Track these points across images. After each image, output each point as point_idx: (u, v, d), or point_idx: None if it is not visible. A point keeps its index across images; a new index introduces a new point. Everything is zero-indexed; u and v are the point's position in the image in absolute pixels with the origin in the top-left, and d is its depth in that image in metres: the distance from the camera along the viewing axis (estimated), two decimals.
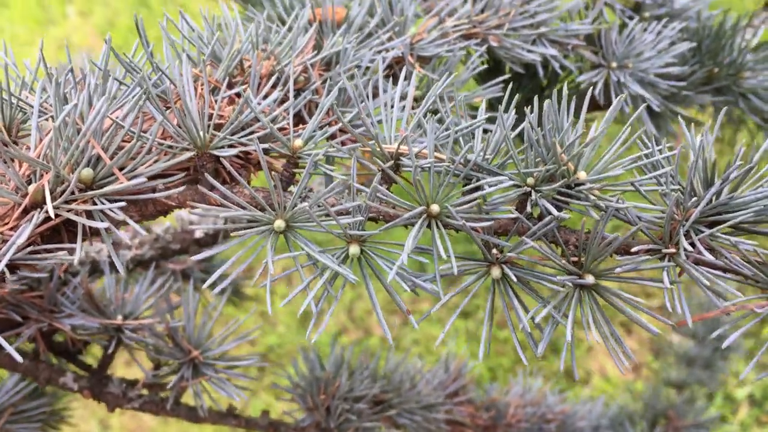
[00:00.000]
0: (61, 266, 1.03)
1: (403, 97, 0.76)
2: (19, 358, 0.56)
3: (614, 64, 1.07)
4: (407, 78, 0.92)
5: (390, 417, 1.28)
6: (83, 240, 0.64)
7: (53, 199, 0.61)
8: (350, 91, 0.70)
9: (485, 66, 1.12)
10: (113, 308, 1.03)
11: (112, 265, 1.10)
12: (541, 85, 1.14)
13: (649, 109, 1.16)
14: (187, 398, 1.12)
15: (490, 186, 0.65)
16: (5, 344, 0.58)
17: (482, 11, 1.00)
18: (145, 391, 1.07)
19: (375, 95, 0.86)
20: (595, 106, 1.17)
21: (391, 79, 0.93)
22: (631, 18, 1.15)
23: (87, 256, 1.10)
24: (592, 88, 1.04)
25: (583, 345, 2.84)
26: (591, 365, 2.81)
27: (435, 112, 0.79)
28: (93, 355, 1.14)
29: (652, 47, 1.09)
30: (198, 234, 1.21)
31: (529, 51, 1.02)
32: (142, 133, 0.67)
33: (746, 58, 1.21)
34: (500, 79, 0.95)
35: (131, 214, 0.73)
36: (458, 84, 0.97)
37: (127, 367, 2.55)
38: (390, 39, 0.93)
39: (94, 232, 0.67)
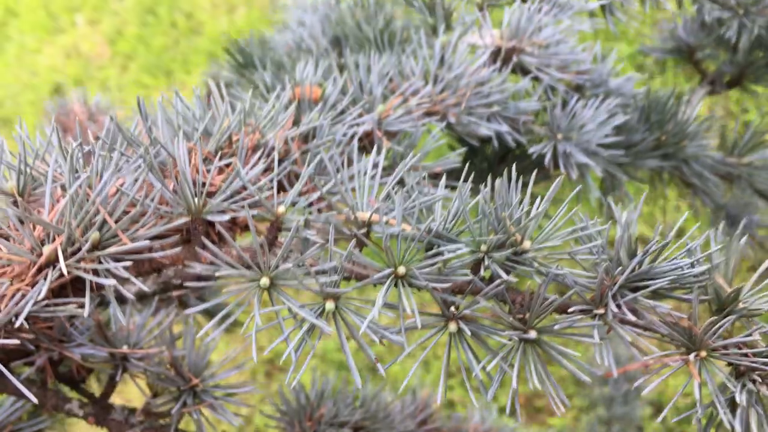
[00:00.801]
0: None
1: (374, 166, 0.87)
2: (33, 399, 0.63)
3: (560, 136, 1.21)
4: (377, 151, 1.03)
5: None
6: (91, 294, 0.72)
7: (65, 258, 0.69)
8: (327, 163, 0.80)
9: (444, 141, 1.24)
10: (119, 338, 1.10)
11: (118, 298, 1.17)
12: (495, 155, 1.27)
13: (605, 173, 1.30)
14: (185, 425, 1.19)
15: (449, 252, 0.76)
16: (20, 386, 0.65)
17: (442, 91, 1.13)
18: (143, 418, 1.14)
19: (349, 164, 0.96)
20: (545, 174, 1.30)
21: (362, 151, 1.04)
22: (578, 99, 1.29)
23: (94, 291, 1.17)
24: (543, 157, 1.17)
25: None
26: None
27: (402, 182, 0.90)
28: (94, 384, 1.20)
29: (592, 120, 1.23)
30: (198, 270, 1.29)
31: (485, 127, 1.15)
32: (143, 200, 0.76)
33: (688, 128, 1.36)
34: (457, 152, 1.07)
35: (130, 272, 0.82)
36: (422, 155, 1.09)
37: (118, 395, 2.55)
38: (360, 115, 1.05)
39: (99, 287, 0.75)
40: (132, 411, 1.11)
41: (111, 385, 1.06)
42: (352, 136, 0.98)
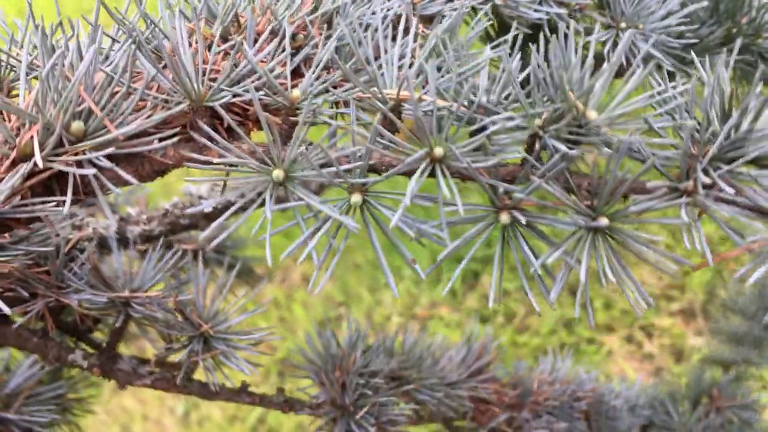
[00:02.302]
0: (67, 242, 1.01)
1: (404, 54, 0.73)
2: (6, 310, 0.54)
3: (623, 25, 1.04)
4: (412, 37, 0.89)
5: (408, 393, 1.25)
6: (76, 193, 0.62)
7: (42, 150, 0.59)
8: (348, 37, 0.67)
9: (492, 26, 1.09)
10: (121, 283, 1.01)
11: (120, 240, 1.08)
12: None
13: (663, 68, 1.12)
14: (201, 375, 1.10)
15: (494, 125, 0.62)
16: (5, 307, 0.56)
17: None
18: (156, 369, 1.05)
19: (377, 56, 0.83)
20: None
21: (395, 39, 0.90)
22: None
23: (94, 231, 1.08)
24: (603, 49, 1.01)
25: (603, 349, 2.80)
26: (611, 369, 2.77)
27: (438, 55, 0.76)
28: (104, 335, 1.13)
29: (661, 7, 1.05)
30: (207, 209, 1.19)
31: (535, 10, 0.99)
32: (136, 86, 0.65)
33: (765, 17, 1.17)
34: (505, 37, 0.92)
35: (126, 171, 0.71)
36: (465, 44, 0.94)
37: (140, 349, 2.54)
38: None
39: (88, 191, 0.65)
40: (142, 361, 1.02)
41: (117, 334, 0.97)
42: (383, 20, 0.84)
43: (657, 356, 2.79)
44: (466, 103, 0.64)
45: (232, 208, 0.67)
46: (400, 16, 0.92)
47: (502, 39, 0.89)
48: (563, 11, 1.00)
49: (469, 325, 2.82)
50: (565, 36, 0.65)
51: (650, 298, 0.61)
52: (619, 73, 1.12)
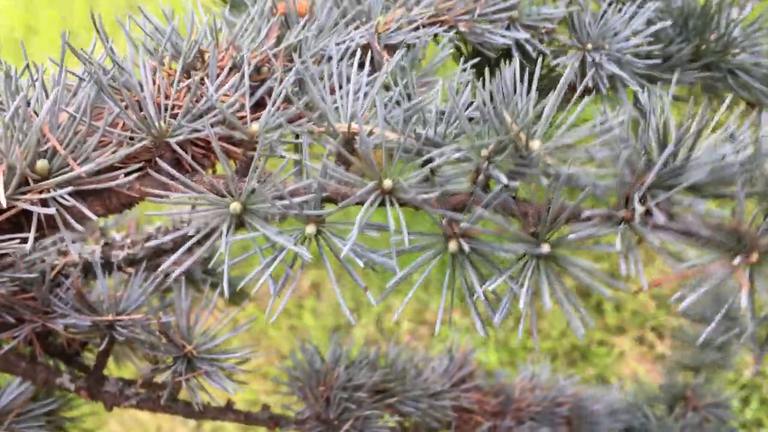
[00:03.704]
0: (53, 268, 1.04)
1: (368, 84, 0.76)
2: None
3: (589, 46, 1.07)
4: (376, 66, 0.92)
5: (392, 405, 1.27)
6: (40, 229, 0.65)
7: (6, 189, 0.62)
8: (303, 75, 0.70)
9: (462, 53, 1.12)
10: (106, 306, 1.04)
11: (104, 265, 1.11)
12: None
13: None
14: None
15: (441, 156, 0.65)
16: None
17: None
18: (142, 390, 1.08)
19: (341, 86, 0.86)
20: (572, 89, 1.16)
21: (361, 68, 0.93)
22: (610, 3, 1.14)
23: (80, 257, 1.11)
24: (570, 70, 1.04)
25: (614, 351, 2.81)
26: (623, 371, 2.78)
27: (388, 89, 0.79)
28: (90, 358, 1.15)
29: (627, 27, 1.08)
30: (190, 232, 1.22)
31: (501, 35, 1.02)
32: (98, 124, 0.68)
33: (733, 34, 1.19)
34: (469, 63, 0.95)
35: (96, 208, 0.74)
36: (432, 69, 0.97)
37: (124, 369, 2.57)
38: (356, 29, 0.94)
39: (53, 226, 0.68)
40: (127, 383, 1.05)
41: (103, 357, 1.00)
42: (346, 51, 0.87)
43: (669, 357, 2.80)
44: (413, 136, 0.66)
45: (193, 240, 0.70)
46: (366, 45, 0.95)
47: (461, 66, 0.92)
48: (528, 36, 1.03)
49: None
50: (513, 73, 0.68)
51: (592, 323, 0.64)
52: (588, 91, 1.16)
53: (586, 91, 1.03)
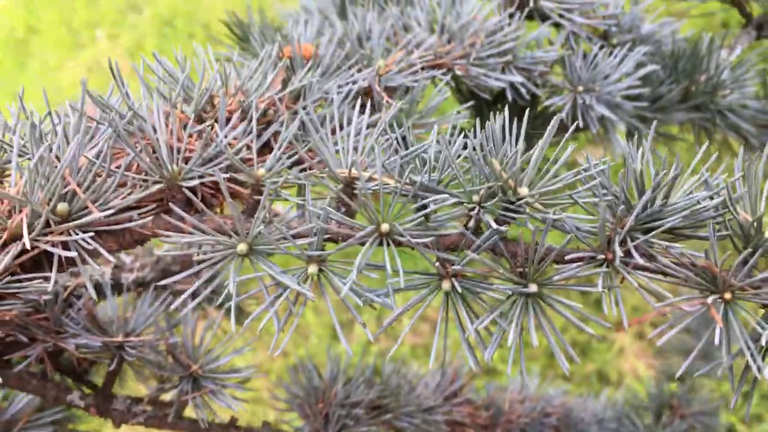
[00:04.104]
0: (65, 289, 1.09)
1: (369, 126, 0.81)
2: None
3: (580, 88, 1.12)
4: (376, 108, 0.97)
5: (388, 421, 1.31)
6: (61, 270, 0.70)
7: (30, 232, 0.66)
8: (305, 120, 0.75)
9: (459, 95, 1.17)
10: (116, 327, 1.09)
11: (114, 287, 1.16)
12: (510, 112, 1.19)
13: (628, 128, 1.20)
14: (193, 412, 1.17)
15: (435, 204, 0.70)
16: None
17: (449, 41, 1.05)
18: (149, 408, 1.12)
19: (341, 126, 0.91)
20: (564, 129, 1.20)
21: (363, 110, 0.98)
22: (601, 47, 1.19)
23: (91, 278, 1.16)
24: (563, 112, 1.09)
25: (614, 347, 2.84)
26: (623, 366, 2.82)
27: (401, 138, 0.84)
28: (100, 376, 1.20)
29: (616, 70, 1.13)
30: (197, 256, 1.27)
31: (496, 79, 1.07)
32: (115, 169, 0.72)
33: (723, 76, 1.24)
34: (464, 106, 1.00)
35: (110, 245, 0.79)
36: (429, 111, 1.02)
37: (136, 386, 2.60)
38: (359, 71, 0.99)
39: (71, 262, 0.72)
40: (135, 400, 1.10)
41: (112, 375, 1.05)
42: (348, 94, 0.92)
43: (656, 367, 2.83)
44: (409, 183, 0.71)
45: (204, 277, 0.75)
46: (367, 87, 1.01)
47: (456, 110, 0.97)
48: (522, 79, 1.08)
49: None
50: (502, 122, 0.73)
51: (576, 357, 0.68)
52: (580, 129, 1.20)
53: (577, 129, 1.08)
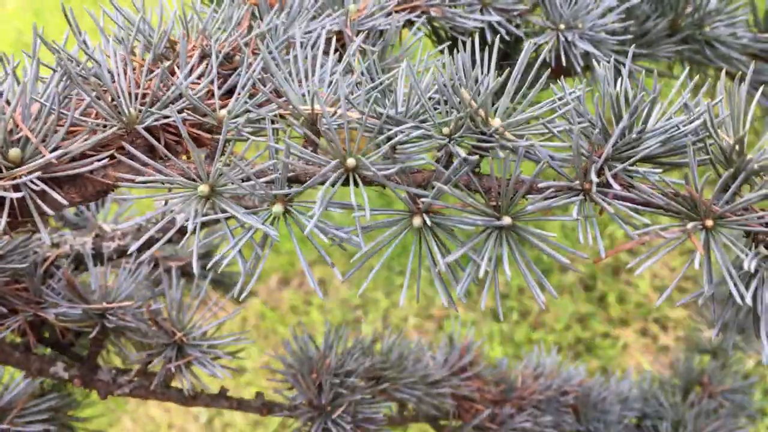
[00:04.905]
0: (45, 259, 1.07)
1: (335, 72, 0.78)
2: None
3: (562, 26, 1.08)
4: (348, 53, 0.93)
5: (386, 391, 1.28)
6: (15, 220, 0.67)
7: None
8: (266, 59, 0.72)
9: (435, 38, 1.13)
10: (97, 296, 1.06)
11: (95, 256, 1.13)
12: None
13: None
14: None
15: (402, 135, 0.67)
16: None
17: None
18: (135, 378, 1.10)
19: (313, 68, 0.87)
20: (554, 71, 1.17)
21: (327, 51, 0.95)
22: None
23: (71, 248, 1.14)
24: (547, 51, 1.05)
25: (618, 343, 2.82)
26: (627, 363, 2.79)
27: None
28: (85, 348, 1.17)
29: (597, 6, 1.09)
30: (180, 222, 1.24)
31: (473, 20, 1.03)
32: (66, 112, 0.69)
33: (710, 6, 1.20)
34: (442, 46, 0.96)
35: (72, 196, 0.76)
36: (404, 55, 0.99)
37: (124, 359, 2.58)
38: (329, 15, 0.95)
39: (27, 213, 0.69)
40: (121, 371, 1.07)
41: (96, 346, 1.02)
42: (317, 39, 0.89)
43: (673, 348, 2.80)
44: (375, 115, 0.68)
45: (173, 230, 0.72)
46: (339, 32, 0.97)
47: (429, 52, 0.94)
48: (499, 18, 1.04)
49: (485, 323, 2.85)
50: (472, 53, 0.70)
51: (554, 291, 0.65)
52: (567, 73, 1.17)
53: (561, 71, 1.05)
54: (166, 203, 0.78)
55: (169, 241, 1.40)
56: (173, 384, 1.14)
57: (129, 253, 1.32)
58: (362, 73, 0.73)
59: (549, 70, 0.74)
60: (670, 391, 1.66)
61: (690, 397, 1.61)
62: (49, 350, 1.14)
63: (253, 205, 0.72)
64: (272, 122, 0.72)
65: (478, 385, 1.43)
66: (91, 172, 0.74)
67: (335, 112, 0.70)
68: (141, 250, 1.33)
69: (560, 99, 0.70)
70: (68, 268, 1.06)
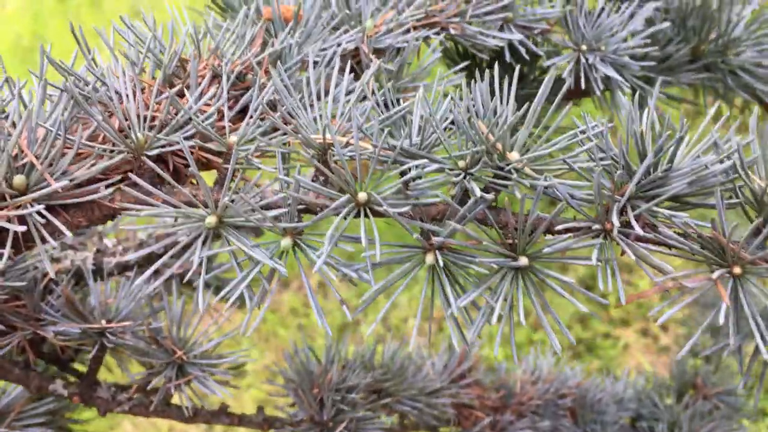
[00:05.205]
0: (44, 275, 1.05)
1: (350, 92, 0.75)
2: None
3: (584, 47, 1.04)
4: (364, 71, 0.91)
5: (388, 405, 1.26)
6: (18, 247, 0.65)
7: None
8: (276, 84, 0.69)
9: (454, 56, 1.10)
10: (97, 313, 1.05)
11: (95, 272, 1.12)
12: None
13: (634, 90, 1.12)
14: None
15: (416, 169, 0.64)
16: None
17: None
18: (135, 396, 1.09)
19: (326, 92, 0.85)
20: (572, 92, 1.13)
21: (351, 74, 0.92)
22: (607, 1, 1.11)
23: (72, 264, 1.12)
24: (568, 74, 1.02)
25: (619, 344, 2.79)
26: (628, 363, 2.75)
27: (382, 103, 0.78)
28: (85, 364, 1.16)
29: (623, 28, 1.05)
30: (182, 237, 1.22)
31: (493, 37, 1.00)
32: (73, 137, 0.68)
33: (735, 33, 1.16)
34: (458, 66, 0.93)
35: (79, 220, 0.75)
36: (421, 74, 0.96)
37: (125, 375, 2.57)
38: (346, 32, 0.93)
39: (29, 239, 0.68)
40: (120, 388, 1.06)
41: (95, 363, 1.01)
42: (332, 57, 0.86)
43: (673, 349, 2.76)
44: (388, 147, 0.65)
45: (173, 250, 0.70)
46: (355, 50, 0.94)
47: (449, 72, 0.91)
48: (521, 37, 1.01)
49: (485, 325, 2.82)
50: (490, 82, 0.67)
51: (571, 336, 0.62)
52: (585, 93, 1.13)
53: (579, 93, 1.01)
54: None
55: (174, 255, 1.39)
56: (173, 401, 1.12)
57: (130, 265, 1.30)
58: (377, 102, 0.70)
59: (566, 90, 0.70)
60: (664, 392, 1.65)
61: (684, 399, 1.61)
62: (48, 366, 1.14)
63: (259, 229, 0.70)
64: (283, 153, 0.70)
65: (478, 392, 1.41)
66: (99, 197, 0.73)
67: (347, 143, 0.68)
68: (142, 265, 1.32)
69: (582, 133, 0.67)
70: (68, 284, 1.05)
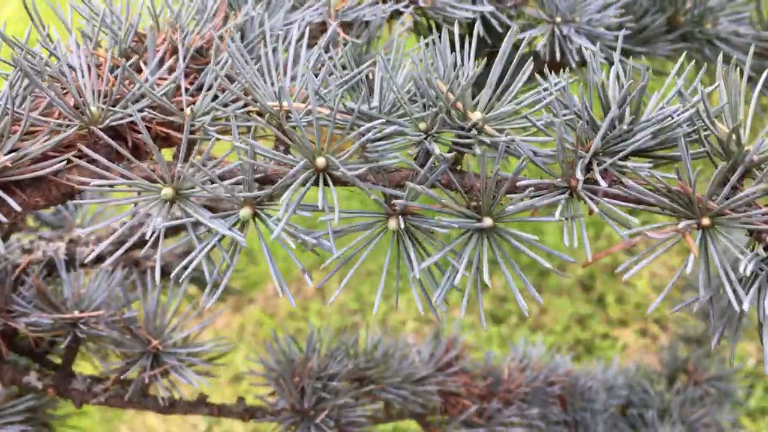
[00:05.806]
0: (16, 266, 1.03)
1: (314, 64, 0.74)
2: None
3: (559, 19, 1.03)
4: (332, 45, 0.89)
5: (371, 393, 1.24)
6: None
7: None
8: (232, 54, 0.67)
9: (422, 30, 1.09)
10: (70, 304, 1.03)
11: (68, 262, 1.10)
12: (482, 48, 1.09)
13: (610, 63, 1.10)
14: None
15: (375, 132, 0.62)
16: None
17: None
18: (111, 387, 1.07)
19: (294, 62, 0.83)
20: (550, 66, 1.11)
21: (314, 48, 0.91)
22: None
23: (44, 254, 1.10)
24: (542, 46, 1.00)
25: (618, 344, 2.78)
26: (627, 363, 2.74)
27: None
28: (60, 356, 1.14)
29: None
30: (151, 226, 1.20)
31: (464, 9, 0.98)
32: (21, 111, 0.66)
33: (711, 2, 1.14)
34: (427, 39, 0.91)
35: (36, 200, 0.73)
36: (390, 48, 0.94)
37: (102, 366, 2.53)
38: (311, 7, 0.91)
39: None
40: (96, 380, 1.04)
41: (69, 354, 0.99)
42: (303, 32, 0.84)
43: (672, 331, 2.75)
44: (345, 110, 0.64)
45: (137, 233, 0.69)
46: (322, 23, 0.93)
47: (419, 44, 0.89)
48: (492, 8, 0.99)
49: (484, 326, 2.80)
50: (452, 38, 0.65)
51: (539, 296, 0.61)
52: (562, 66, 1.11)
53: (555, 66, 0.99)
54: (135, 205, 0.74)
55: (145, 244, 1.37)
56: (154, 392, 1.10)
57: (97, 254, 1.28)
58: (335, 66, 0.69)
59: (532, 61, 0.69)
60: (655, 379, 1.63)
61: (675, 385, 1.59)
62: (22, 358, 1.11)
63: (231, 208, 0.68)
64: (247, 128, 0.68)
65: (465, 380, 1.39)
66: (55, 174, 0.71)
67: (306, 109, 0.66)
68: (113, 252, 1.30)
69: (545, 90, 0.65)
70: (39, 274, 1.03)
